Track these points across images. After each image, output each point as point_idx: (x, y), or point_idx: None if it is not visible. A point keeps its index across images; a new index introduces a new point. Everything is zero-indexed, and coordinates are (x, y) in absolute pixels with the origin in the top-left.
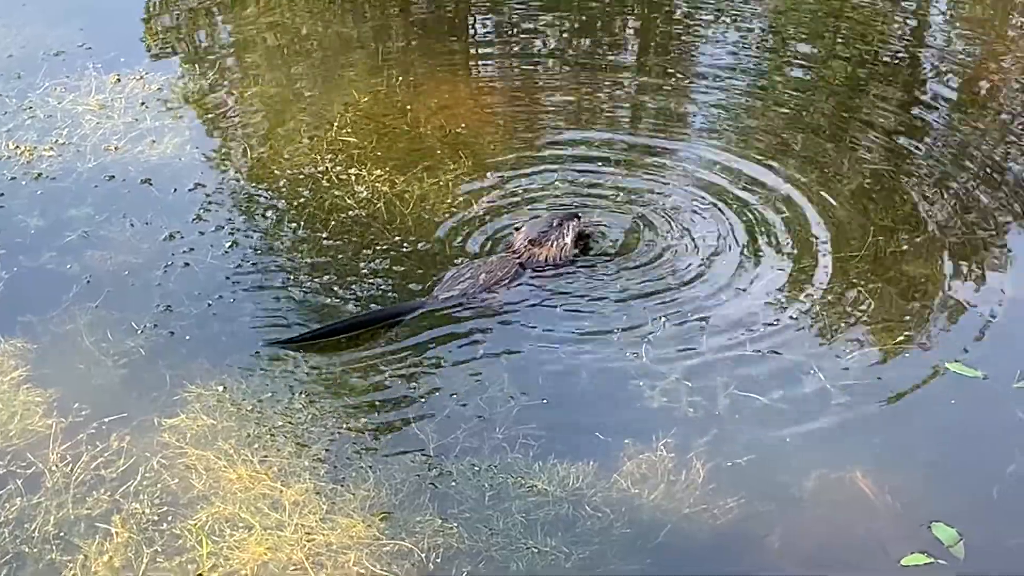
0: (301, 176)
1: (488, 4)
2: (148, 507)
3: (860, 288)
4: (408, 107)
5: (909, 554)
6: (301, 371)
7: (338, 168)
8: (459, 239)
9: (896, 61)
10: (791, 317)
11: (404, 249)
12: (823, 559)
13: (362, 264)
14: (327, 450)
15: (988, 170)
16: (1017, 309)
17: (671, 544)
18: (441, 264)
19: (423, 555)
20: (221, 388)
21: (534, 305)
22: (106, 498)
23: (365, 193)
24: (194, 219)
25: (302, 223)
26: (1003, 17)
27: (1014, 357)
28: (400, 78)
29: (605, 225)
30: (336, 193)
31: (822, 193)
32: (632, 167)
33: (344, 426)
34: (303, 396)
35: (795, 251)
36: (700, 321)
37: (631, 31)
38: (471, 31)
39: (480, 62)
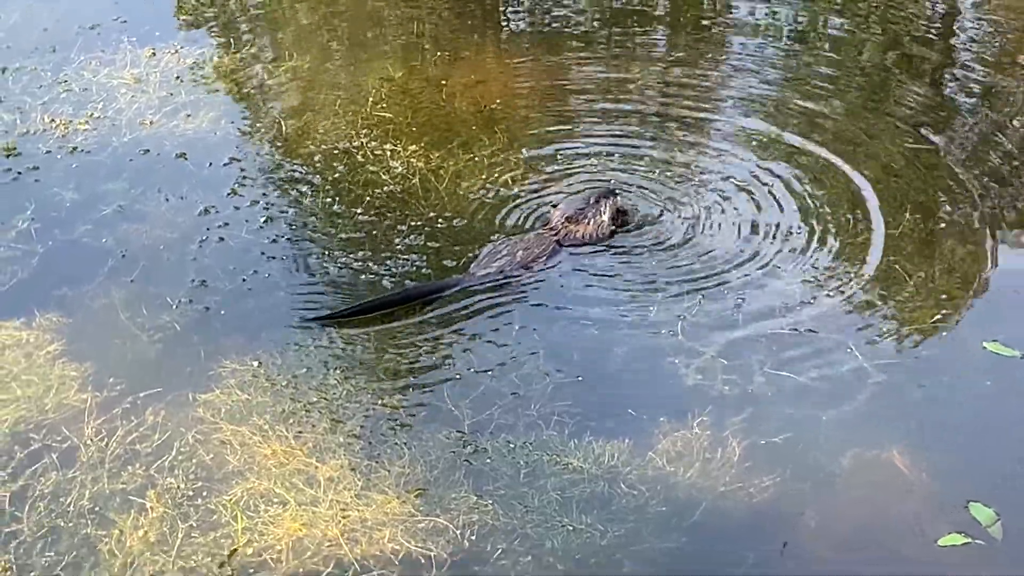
0: (336, 151)
1: None
2: (183, 482)
3: (897, 266)
4: (443, 82)
5: (946, 534)
6: (336, 347)
7: (373, 143)
8: (496, 215)
9: (932, 37)
10: (827, 295)
11: (439, 225)
12: (859, 539)
13: (397, 240)
14: (362, 426)
15: None
16: None
17: (707, 522)
18: (477, 241)
19: (458, 532)
20: (256, 363)
21: (570, 282)
22: (141, 473)
23: (400, 169)
24: (229, 194)
25: (337, 198)
26: None
27: None
28: (435, 53)
29: (641, 203)
30: (371, 168)
31: (859, 171)
32: (668, 144)
33: (379, 402)
34: (338, 372)
35: (832, 229)
36: (736, 299)
37: (665, 7)
38: (506, 6)
39: (514, 38)
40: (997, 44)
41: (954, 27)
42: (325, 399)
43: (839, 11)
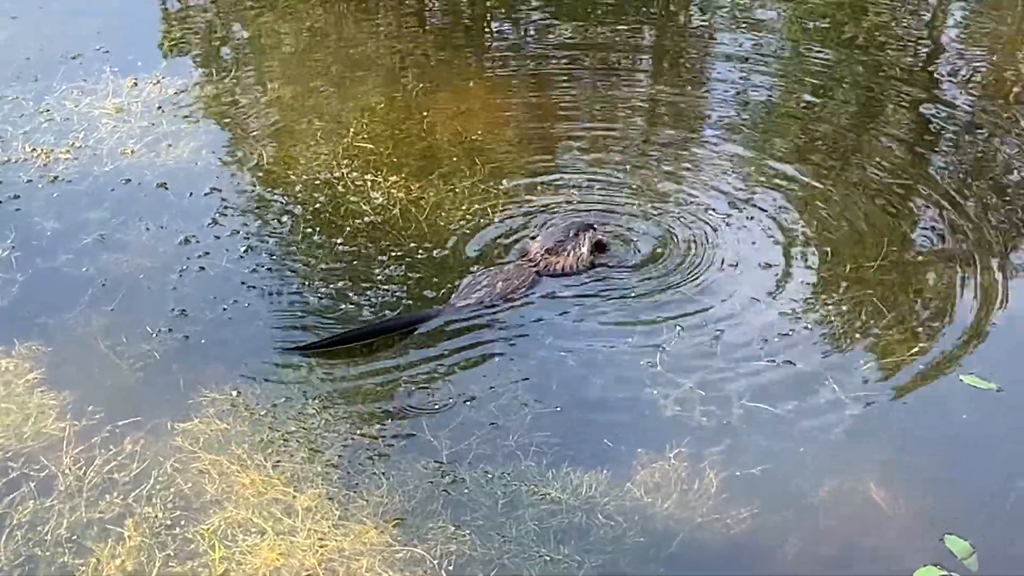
0: (317, 181)
1: (504, 12)
2: (161, 511)
3: (875, 298)
4: (424, 114)
5: (922, 566)
6: (315, 376)
7: (354, 174)
8: (476, 246)
9: (914, 69)
10: (806, 327)
11: (419, 256)
12: (835, 571)
13: (377, 271)
14: (340, 456)
15: (1006, 180)
16: None
17: (684, 553)
18: (457, 271)
19: (436, 562)
20: (235, 393)
21: (549, 313)
22: (119, 502)
23: (381, 199)
24: (210, 223)
25: (317, 228)
26: (1020, 26)
27: None
28: (416, 85)
29: (621, 234)
30: (352, 199)
31: (839, 202)
32: (648, 175)
33: (357, 432)
34: (316, 401)
35: (811, 261)
36: (715, 330)
37: (647, 39)
38: (487, 39)
39: (496, 70)
40: (980, 73)
41: (937, 57)
42: (303, 428)
43: (822, 40)
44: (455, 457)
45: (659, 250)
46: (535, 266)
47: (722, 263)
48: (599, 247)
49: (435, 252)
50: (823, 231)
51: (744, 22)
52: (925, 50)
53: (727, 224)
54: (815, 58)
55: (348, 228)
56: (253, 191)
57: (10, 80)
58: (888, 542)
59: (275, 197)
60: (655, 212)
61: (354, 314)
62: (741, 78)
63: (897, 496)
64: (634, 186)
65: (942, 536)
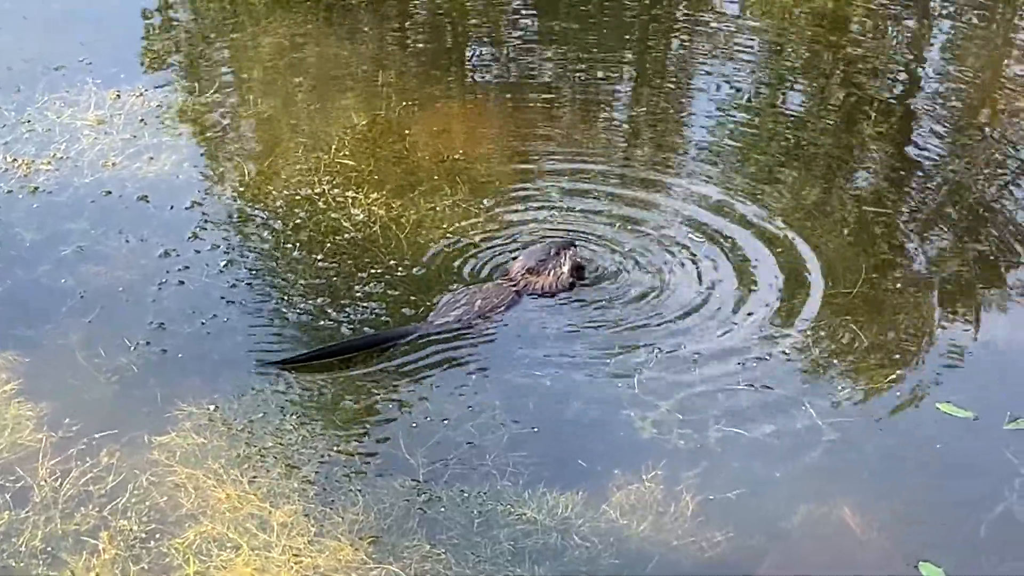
0: (298, 197)
1: (486, 32)
2: (136, 524)
3: (852, 325)
4: (406, 132)
5: None
6: (292, 392)
7: (335, 190)
8: (456, 264)
9: (890, 100)
10: (783, 352)
11: (399, 273)
12: None
13: (357, 287)
14: (316, 472)
15: (981, 210)
16: (1009, 350)
17: None
18: (437, 289)
19: None
20: (212, 407)
21: (527, 332)
22: (94, 514)
23: (361, 216)
24: (190, 237)
25: (298, 244)
26: (998, 61)
27: (1004, 398)
28: (398, 103)
29: (601, 255)
30: (332, 215)
31: (816, 229)
32: (626, 198)
33: (334, 449)
34: (294, 418)
35: (788, 287)
36: (693, 353)
37: (628, 63)
38: (469, 59)
39: (478, 90)
40: (958, 104)
41: (914, 92)
42: (280, 444)
43: (802, 71)
44: (431, 476)
45: (637, 272)
46: (515, 285)
47: (700, 286)
48: (579, 267)
49: (415, 270)
50: (801, 257)
51: (726, 49)
52: (904, 78)
53: (705, 247)
54: (796, 84)
55: (328, 244)
56: (234, 205)
57: None
58: (862, 568)
59: (256, 212)
60: (634, 233)
61: (333, 330)
62: (722, 105)
63: (872, 522)
64: (614, 208)
65: (916, 563)
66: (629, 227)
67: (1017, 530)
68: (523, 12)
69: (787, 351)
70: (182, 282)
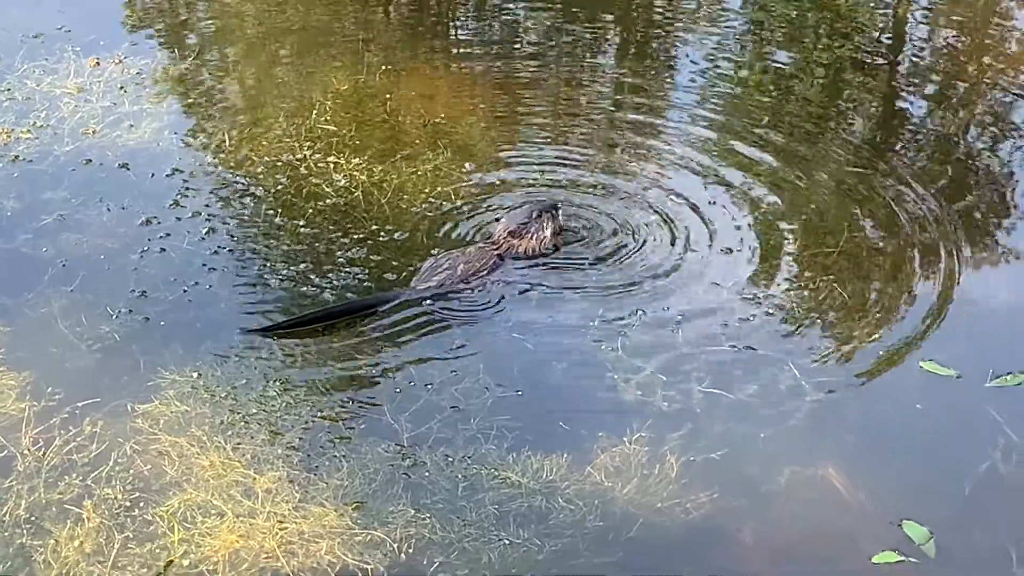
0: (279, 163)
1: None
2: (120, 493)
3: (836, 285)
4: (387, 96)
5: (880, 551)
6: (276, 359)
7: (316, 156)
8: (438, 228)
9: (877, 59)
10: (767, 312)
11: (381, 238)
12: (794, 555)
13: (339, 253)
14: (300, 438)
15: (966, 168)
16: (991, 308)
17: (643, 538)
18: (419, 254)
19: (395, 545)
20: (195, 375)
21: (511, 296)
22: (78, 483)
23: (343, 181)
24: (171, 205)
25: (279, 210)
26: (984, 18)
27: (987, 356)
28: (380, 67)
29: (584, 218)
30: (314, 181)
31: (800, 188)
32: (612, 158)
33: (318, 415)
34: (277, 384)
35: (772, 247)
36: (676, 315)
37: (612, 25)
38: (451, 21)
39: (460, 52)
40: (943, 61)
41: (903, 47)
42: (264, 411)
43: (787, 28)
44: (416, 440)
45: (620, 234)
46: (497, 249)
47: (684, 247)
48: (562, 229)
49: (397, 234)
50: (784, 217)
51: (710, 8)
52: (889, 35)
53: (688, 209)
54: (780, 45)
55: (310, 210)
56: (215, 172)
57: None
58: (847, 527)
59: (237, 178)
60: (617, 196)
61: (316, 296)
62: (707, 65)
63: (856, 481)
64: (597, 169)
65: (900, 521)
66: (614, 187)
67: (1001, 488)
68: None
69: (770, 311)
70: (164, 250)
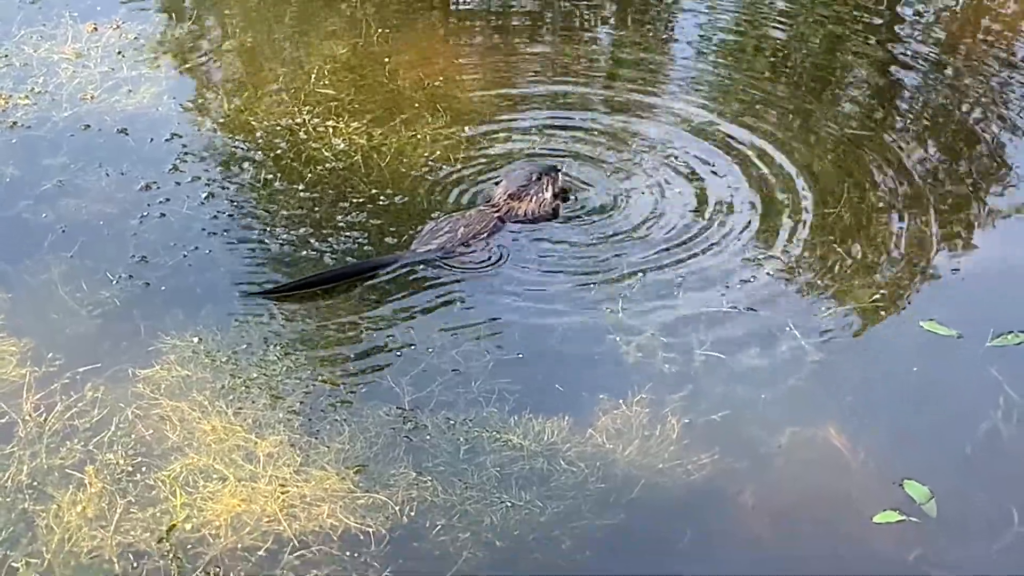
0: (278, 128)
1: None
2: (122, 458)
3: (836, 246)
4: (386, 60)
5: (881, 511)
6: (276, 323)
7: (315, 120)
8: (438, 192)
9: (876, 19)
10: (767, 274)
11: (381, 202)
12: (795, 515)
13: (339, 216)
14: (302, 402)
15: (966, 130)
16: (991, 267)
17: (645, 499)
18: (419, 217)
19: (397, 508)
20: (196, 339)
21: (512, 260)
22: (80, 448)
23: (342, 145)
24: (170, 169)
25: (279, 175)
26: None
27: (988, 316)
28: (378, 31)
29: (584, 180)
30: (313, 145)
31: (800, 150)
32: (612, 122)
33: (319, 378)
34: (278, 348)
35: (772, 208)
36: (677, 277)
37: None
38: None
39: (459, 15)
40: (942, 27)
41: (899, 9)
42: (265, 375)
43: None
44: (417, 404)
45: (621, 196)
46: (497, 211)
47: (684, 209)
48: (562, 191)
49: (397, 198)
50: (784, 177)
51: None
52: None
53: (688, 171)
54: (779, 5)
55: (309, 174)
56: (214, 137)
57: None
58: (848, 487)
59: (236, 143)
60: (617, 158)
61: (316, 260)
62: (706, 28)
63: (857, 442)
64: (597, 133)
65: (901, 481)
66: (613, 149)
67: (1002, 448)
68: None
69: (771, 273)
70: (163, 215)
